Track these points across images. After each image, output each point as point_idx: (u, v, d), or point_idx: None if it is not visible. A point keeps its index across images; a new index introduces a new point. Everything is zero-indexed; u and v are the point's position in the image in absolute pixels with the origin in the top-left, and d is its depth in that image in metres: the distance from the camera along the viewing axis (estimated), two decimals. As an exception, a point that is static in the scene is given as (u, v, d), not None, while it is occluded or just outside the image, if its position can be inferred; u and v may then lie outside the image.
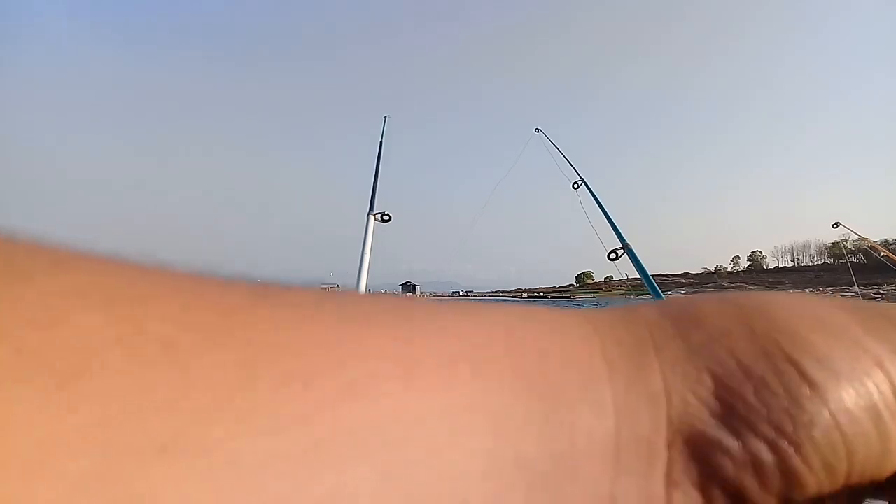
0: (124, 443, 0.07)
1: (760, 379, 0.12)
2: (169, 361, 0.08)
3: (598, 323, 0.14)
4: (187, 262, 0.11)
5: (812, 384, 0.12)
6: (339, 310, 0.11)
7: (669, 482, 0.12)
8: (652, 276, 2.44)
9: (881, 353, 0.13)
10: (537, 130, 3.42)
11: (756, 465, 0.12)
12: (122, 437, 0.07)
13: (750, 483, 0.12)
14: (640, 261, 2.45)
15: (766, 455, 0.12)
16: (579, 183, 2.85)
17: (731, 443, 0.12)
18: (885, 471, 0.13)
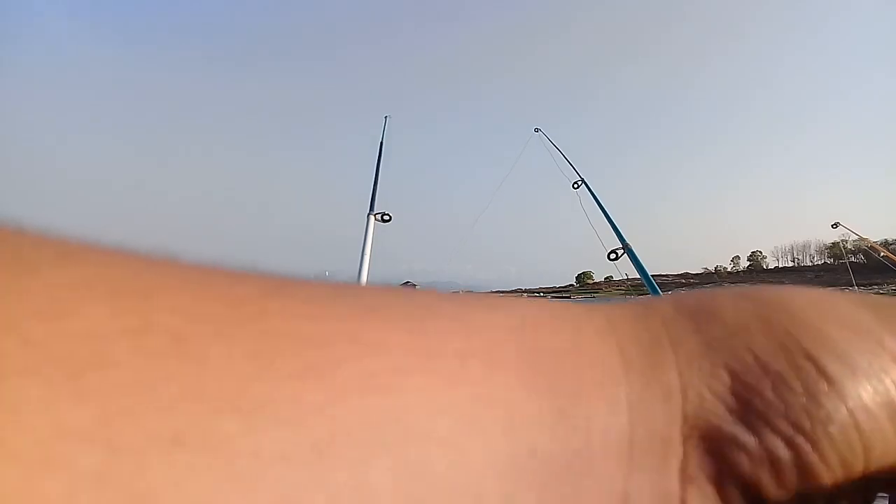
0: (134, 436, 0.07)
1: (778, 374, 0.12)
2: (179, 353, 0.08)
3: (613, 317, 0.14)
4: (196, 254, 0.11)
5: (830, 380, 0.12)
6: (353, 302, 0.11)
7: (684, 477, 0.12)
8: (652, 276, 2.44)
9: None
10: (537, 130, 3.44)
11: (772, 461, 0.12)
12: (132, 430, 0.07)
13: (766, 479, 0.12)
14: (640, 261, 2.45)
15: (783, 451, 0.12)
16: (579, 183, 2.86)
17: (748, 438, 0.12)
18: None
